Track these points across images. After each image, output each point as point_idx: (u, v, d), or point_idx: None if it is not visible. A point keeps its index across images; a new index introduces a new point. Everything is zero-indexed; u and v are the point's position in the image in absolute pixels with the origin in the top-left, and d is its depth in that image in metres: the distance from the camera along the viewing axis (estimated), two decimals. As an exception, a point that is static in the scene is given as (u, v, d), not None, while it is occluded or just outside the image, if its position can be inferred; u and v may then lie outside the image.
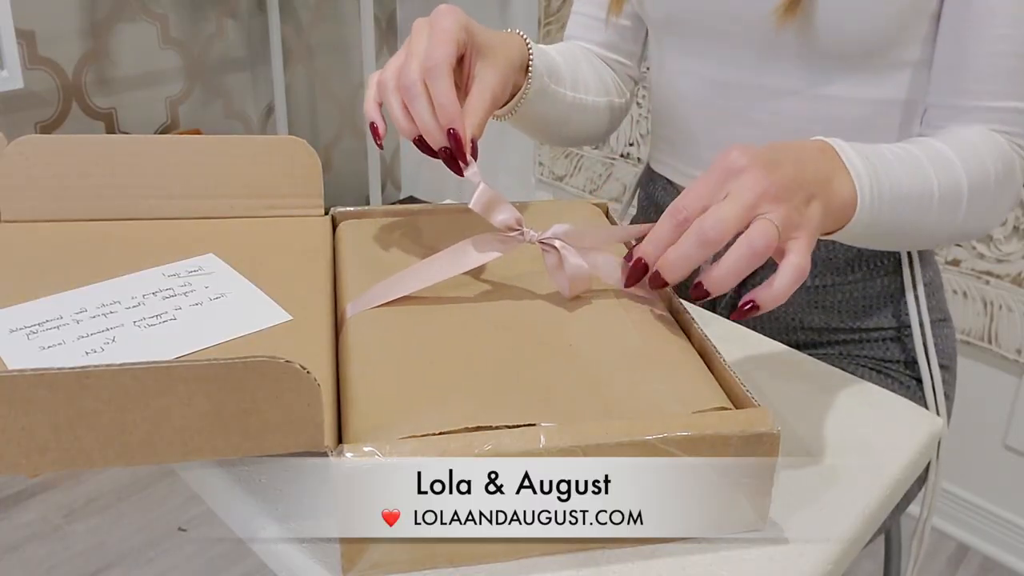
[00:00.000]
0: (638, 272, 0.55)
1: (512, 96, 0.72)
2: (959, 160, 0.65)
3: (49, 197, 0.65)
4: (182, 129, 1.96)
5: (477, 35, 0.62)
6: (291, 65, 2.11)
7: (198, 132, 1.97)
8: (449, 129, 0.58)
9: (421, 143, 0.61)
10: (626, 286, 0.56)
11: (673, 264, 0.52)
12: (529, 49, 0.71)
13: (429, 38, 0.59)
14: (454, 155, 0.59)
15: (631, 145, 1.88)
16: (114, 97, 1.83)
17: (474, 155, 0.60)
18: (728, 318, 0.56)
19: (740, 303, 0.53)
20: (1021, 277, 1.42)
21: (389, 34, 2.30)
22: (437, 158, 0.60)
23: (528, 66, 0.71)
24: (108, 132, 1.83)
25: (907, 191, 0.61)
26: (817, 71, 0.73)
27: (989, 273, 1.45)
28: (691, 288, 0.53)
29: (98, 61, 1.78)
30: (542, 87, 0.74)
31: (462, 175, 0.60)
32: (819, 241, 0.78)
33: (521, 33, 0.71)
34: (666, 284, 0.53)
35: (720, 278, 0.51)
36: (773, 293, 0.51)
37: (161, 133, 1.92)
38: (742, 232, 0.51)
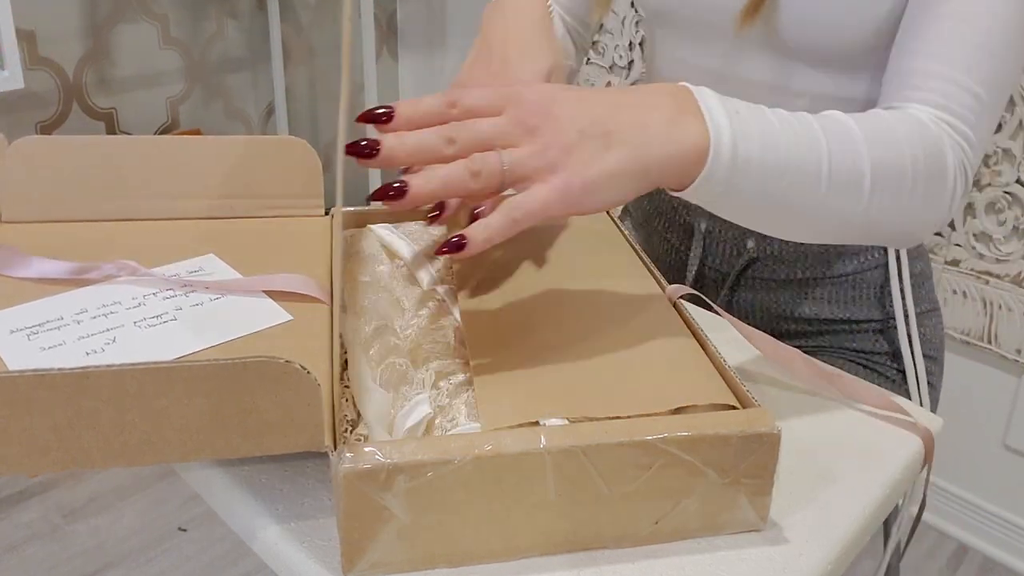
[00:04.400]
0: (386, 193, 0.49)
1: None
2: (864, 138, 0.55)
3: (49, 198, 0.65)
4: (182, 129, 1.96)
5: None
6: (291, 65, 2.11)
7: (198, 132, 1.97)
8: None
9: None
10: (374, 198, 0.50)
11: (405, 141, 0.48)
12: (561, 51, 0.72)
13: None
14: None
15: (631, 145, 1.88)
16: (114, 97, 1.83)
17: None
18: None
19: (451, 236, 0.48)
20: (1021, 277, 1.42)
21: (389, 34, 2.30)
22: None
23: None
24: (108, 132, 1.83)
25: (786, 158, 0.52)
26: (790, 66, 0.72)
27: (989, 273, 1.45)
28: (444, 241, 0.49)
29: (98, 61, 1.78)
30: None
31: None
32: None
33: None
34: (376, 147, 0.48)
35: (422, 185, 0.47)
36: (481, 227, 0.47)
37: (161, 133, 1.92)
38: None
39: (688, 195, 0.51)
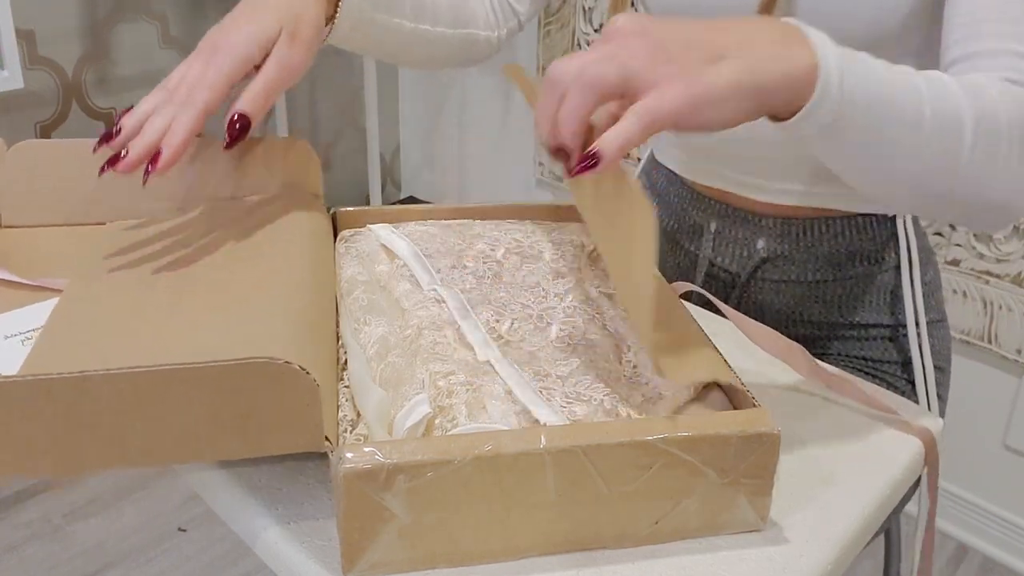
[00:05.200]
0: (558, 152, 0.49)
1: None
2: (960, 89, 0.54)
3: (49, 201, 0.65)
4: (182, 129, 1.96)
5: (263, 31, 0.61)
6: (291, 65, 2.11)
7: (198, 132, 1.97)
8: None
9: None
10: (571, 173, 0.48)
11: (561, 119, 0.47)
12: None
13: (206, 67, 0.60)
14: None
15: (631, 145, 1.88)
16: (114, 97, 1.83)
17: (243, 132, 0.60)
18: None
19: (581, 155, 0.47)
20: (1021, 277, 1.42)
21: (389, 34, 2.30)
22: None
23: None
24: (108, 132, 1.83)
25: (890, 94, 0.51)
26: None
27: (989, 273, 1.45)
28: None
29: (98, 61, 1.78)
30: (363, 18, 0.71)
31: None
32: (821, 235, 0.79)
33: None
34: (564, 151, 0.48)
35: (558, 120, 0.47)
36: (613, 136, 0.46)
37: (161, 133, 1.92)
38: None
39: (794, 125, 0.50)
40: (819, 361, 0.62)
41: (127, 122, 0.60)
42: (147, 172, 0.58)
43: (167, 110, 0.59)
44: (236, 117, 0.60)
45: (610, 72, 0.46)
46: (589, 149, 0.46)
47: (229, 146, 0.60)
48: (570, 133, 0.47)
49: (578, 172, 0.47)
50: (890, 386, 0.81)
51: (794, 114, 0.49)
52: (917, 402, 0.80)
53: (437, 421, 0.48)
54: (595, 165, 0.46)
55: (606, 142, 0.46)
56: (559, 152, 0.49)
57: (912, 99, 0.52)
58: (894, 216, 0.80)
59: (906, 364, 0.81)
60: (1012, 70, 0.59)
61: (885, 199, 0.59)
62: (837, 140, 0.51)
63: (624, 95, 0.46)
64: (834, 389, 0.62)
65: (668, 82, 0.45)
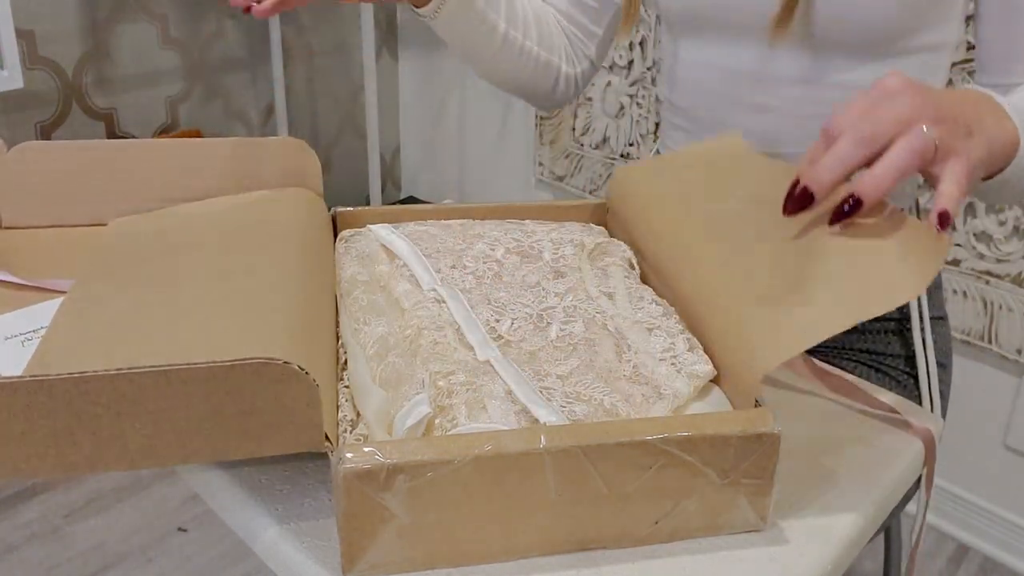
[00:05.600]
0: (799, 197, 0.53)
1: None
2: None
3: (49, 202, 0.65)
4: (182, 129, 1.96)
5: None
6: (291, 65, 2.11)
7: (198, 132, 1.97)
8: None
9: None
10: (786, 212, 0.53)
11: (826, 165, 0.51)
12: None
13: None
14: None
15: (631, 145, 1.88)
16: (114, 97, 1.83)
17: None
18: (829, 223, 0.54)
19: (842, 199, 0.51)
20: (1021, 277, 1.42)
21: (389, 34, 2.30)
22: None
23: None
24: (108, 132, 1.83)
25: None
26: (824, 59, 0.73)
27: (989, 273, 1.45)
28: (843, 200, 0.52)
29: (98, 61, 1.78)
30: (467, 1, 0.77)
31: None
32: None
33: None
34: (812, 198, 0.52)
35: (878, 177, 0.50)
36: (938, 210, 0.50)
37: (161, 133, 1.92)
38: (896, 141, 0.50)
39: (992, 181, 0.59)
40: (819, 361, 0.62)
41: None
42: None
43: None
44: None
45: (927, 139, 0.50)
46: (845, 199, 0.51)
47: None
48: (829, 178, 0.51)
49: (838, 218, 0.52)
50: (893, 380, 0.81)
51: (999, 171, 0.58)
52: (919, 396, 0.80)
53: (437, 421, 0.48)
54: (858, 209, 0.51)
55: (867, 190, 0.51)
56: (798, 191, 0.53)
57: None
58: None
59: (909, 359, 0.81)
60: None
61: (1001, 203, 0.67)
62: (999, 183, 0.59)
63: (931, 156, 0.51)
64: (834, 388, 0.62)
65: (960, 151, 0.51)
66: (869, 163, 0.51)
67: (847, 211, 0.51)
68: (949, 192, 0.50)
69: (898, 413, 0.60)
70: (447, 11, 0.77)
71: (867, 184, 0.50)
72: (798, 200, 0.53)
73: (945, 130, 0.50)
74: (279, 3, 0.69)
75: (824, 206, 0.53)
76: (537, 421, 0.47)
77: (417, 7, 0.78)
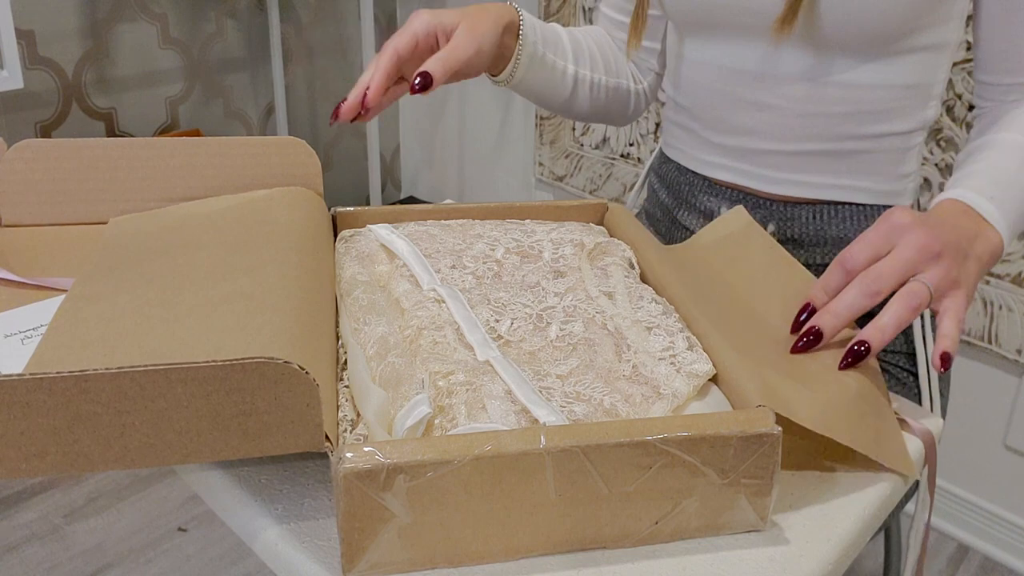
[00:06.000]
0: (808, 336, 0.58)
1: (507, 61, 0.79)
2: None
3: (49, 201, 0.65)
4: (182, 129, 1.96)
5: (444, 17, 0.72)
6: (291, 65, 2.11)
7: (198, 132, 1.97)
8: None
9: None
10: (794, 351, 0.58)
11: (837, 313, 0.57)
12: (520, 14, 0.77)
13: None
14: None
15: (631, 145, 1.88)
16: (114, 97, 1.83)
17: (424, 89, 0.69)
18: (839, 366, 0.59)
19: (853, 343, 0.56)
20: (1021, 277, 1.42)
21: (389, 34, 2.30)
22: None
23: (519, 31, 0.77)
24: (108, 132, 1.83)
25: None
26: (826, 58, 0.74)
27: (989, 273, 1.45)
28: (853, 343, 0.56)
29: (98, 61, 1.78)
30: (535, 53, 0.80)
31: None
32: (830, 220, 0.82)
33: (511, 2, 0.77)
34: (820, 338, 0.57)
35: (883, 329, 0.56)
36: (939, 352, 0.57)
37: (161, 133, 1.92)
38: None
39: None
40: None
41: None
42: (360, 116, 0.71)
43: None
44: (418, 74, 0.69)
45: (923, 291, 0.57)
46: (854, 342, 0.56)
47: None
48: (839, 323, 0.57)
49: (848, 361, 0.56)
50: (893, 376, 0.81)
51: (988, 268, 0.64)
52: (919, 392, 0.81)
53: (437, 421, 0.48)
54: (866, 355, 0.56)
55: (874, 338, 0.56)
56: (809, 330, 0.58)
57: None
58: None
59: (910, 355, 0.82)
60: None
61: None
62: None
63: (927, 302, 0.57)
64: None
65: (954, 289, 0.58)
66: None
67: (860, 355, 0.56)
68: (950, 333, 0.57)
69: (897, 413, 0.60)
70: (520, 71, 0.80)
71: (875, 337, 0.56)
72: (807, 338, 0.58)
73: (945, 267, 0.57)
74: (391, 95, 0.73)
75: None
76: (537, 421, 0.47)
77: (494, 75, 0.81)
